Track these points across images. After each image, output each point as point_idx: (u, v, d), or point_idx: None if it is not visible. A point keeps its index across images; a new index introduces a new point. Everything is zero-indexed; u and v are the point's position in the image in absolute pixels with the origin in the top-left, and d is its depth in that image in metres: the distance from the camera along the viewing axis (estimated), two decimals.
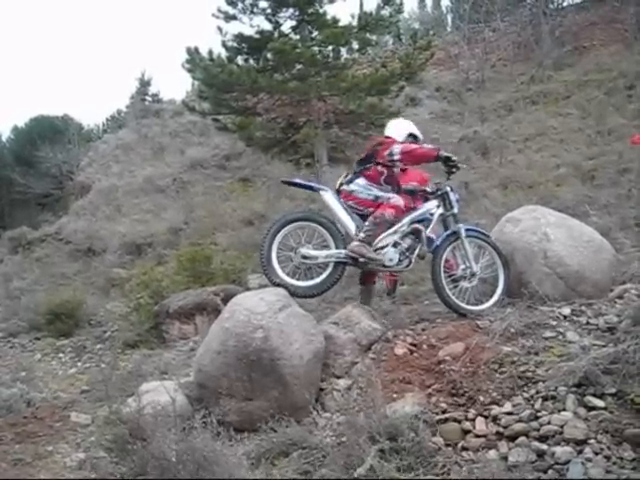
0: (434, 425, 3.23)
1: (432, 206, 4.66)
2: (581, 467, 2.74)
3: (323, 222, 4.45)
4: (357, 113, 10.91)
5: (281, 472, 3.18)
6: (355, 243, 4.33)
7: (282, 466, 3.20)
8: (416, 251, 4.49)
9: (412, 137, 4.90)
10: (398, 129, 4.96)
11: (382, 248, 4.42)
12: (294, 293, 4.25)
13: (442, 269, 4.40)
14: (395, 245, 4.44)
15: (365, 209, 4.52)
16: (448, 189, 4.67)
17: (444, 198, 4.66)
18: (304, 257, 4.36)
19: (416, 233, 4.50)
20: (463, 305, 4.35)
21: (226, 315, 4.03)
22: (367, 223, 4.39)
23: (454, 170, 4.63)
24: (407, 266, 4.52)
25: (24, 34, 67.22)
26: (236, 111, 11.73)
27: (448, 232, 4.54)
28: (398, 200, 4.48)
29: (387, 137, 4.81)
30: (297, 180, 4.97)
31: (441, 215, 4.63)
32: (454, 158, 4.55)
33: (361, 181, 4.61)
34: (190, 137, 17.30)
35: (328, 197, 4.52)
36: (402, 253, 4.45)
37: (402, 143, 4.65)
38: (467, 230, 4.54)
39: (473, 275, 4.47)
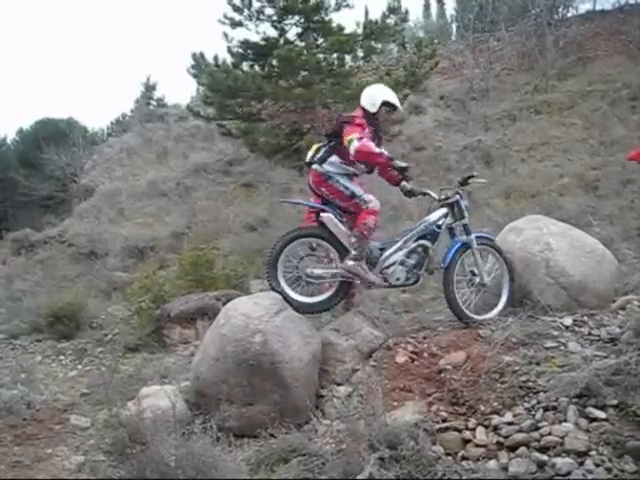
0: (434, 434, 3.22)
1: (439, 216, 4.42)
2: (582, 479, 2.72)
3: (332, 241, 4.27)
4: None
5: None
6: (349, 262, 4.14)
7: (281, 472, 3.19)
8: (424, 266, 4.35)
9: (388, 106, 4.46)
10: (370, 97, 4.45)
11: (388, 267, 4.28)
12: (297, 309, 4.15)
13: (454, 283, 4.25)
14: (402, 263, 4.30)
15: (336, 200, 4.27)
16: (458, 197, 4.40)
17: (453, 207, 4.40)
18: (309, 276, 4.24)
19: (423, 248, 4.35)
20: (473, 315, 4.25)
21: (222, 321, 4.00)
22: (353, 240, 4.15)
23: (408, 177, 4.45)
24: (414, 283, 4.40)
25: (30, 37, 67.70)
26: (241, 117, 11.80)
27: (458, 244, 4.34)
28: (376, 204, 4.22)
29: (362, 108, 4.43)
30: (297, 200, 4.88)
31: (448, 225, 4.43)
32: (404, 166, 4.29)
33: (335, 159, 4.34)
34: (194, 142, 17.34)
35: (328, 219, 4.24)
36: (409, 270, 4.31)
37: (361, 137, 4.11)
38: (478, 238, 4.39)
39: (483, 286, 4.38)
